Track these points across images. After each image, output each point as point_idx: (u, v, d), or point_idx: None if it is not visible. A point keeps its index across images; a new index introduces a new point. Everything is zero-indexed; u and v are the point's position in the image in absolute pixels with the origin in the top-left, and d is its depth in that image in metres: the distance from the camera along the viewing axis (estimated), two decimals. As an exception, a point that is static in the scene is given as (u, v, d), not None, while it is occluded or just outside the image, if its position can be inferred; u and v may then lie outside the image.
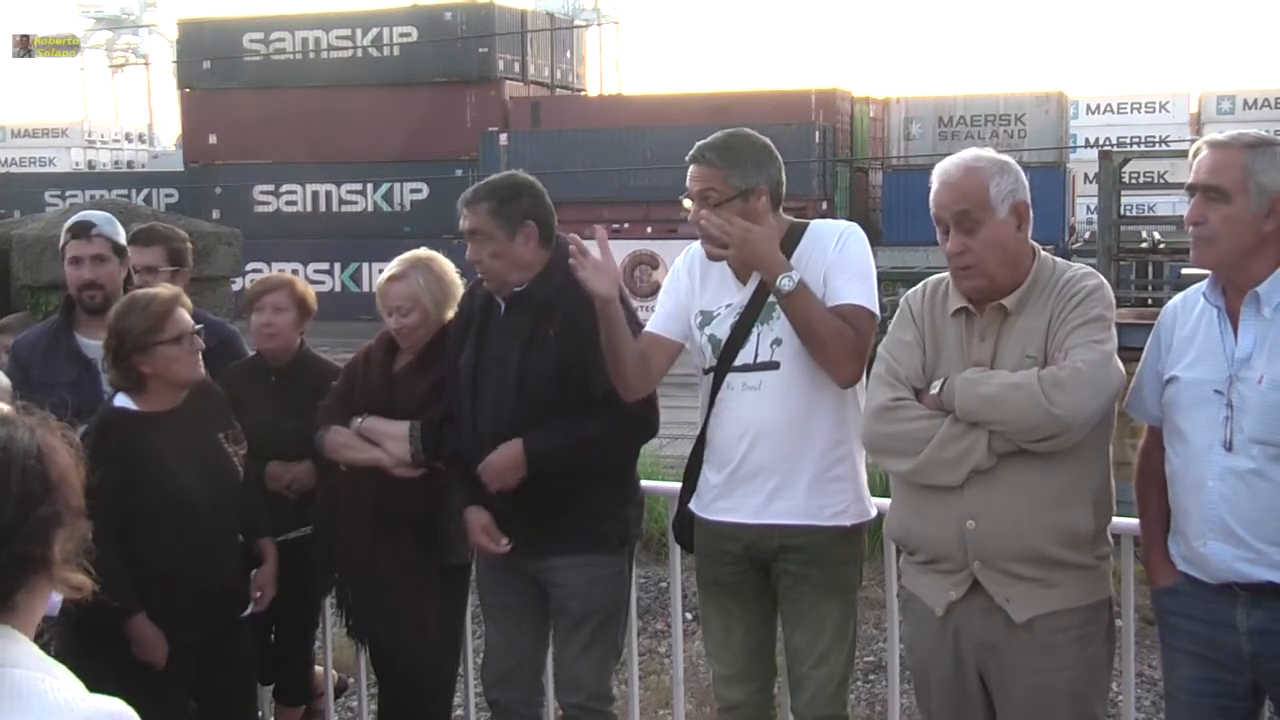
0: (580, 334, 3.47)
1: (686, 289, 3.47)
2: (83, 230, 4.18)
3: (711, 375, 3.40)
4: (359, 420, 3.88)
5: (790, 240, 3.34)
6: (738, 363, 3.34)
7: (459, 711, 4.67)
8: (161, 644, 3.53)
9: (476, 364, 3.68)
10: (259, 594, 3.83)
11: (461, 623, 4.17)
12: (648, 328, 3.48)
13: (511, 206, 3.57)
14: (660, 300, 3.52)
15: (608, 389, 3.43)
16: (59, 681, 1.50)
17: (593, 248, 3.29)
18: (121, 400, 3.60)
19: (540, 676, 3.92)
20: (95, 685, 1.54)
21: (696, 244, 3.50)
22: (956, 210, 2.94)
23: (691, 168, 3.33)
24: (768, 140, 3.39)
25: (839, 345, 3.21)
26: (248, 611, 3.79)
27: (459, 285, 3.99)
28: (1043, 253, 3.04)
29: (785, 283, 3.18)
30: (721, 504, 3.41)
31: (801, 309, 3.20)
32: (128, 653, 3.46)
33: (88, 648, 3.27)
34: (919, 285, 3.15)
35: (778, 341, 3.29)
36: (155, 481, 3.49)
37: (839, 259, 3.29)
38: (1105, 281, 3.01)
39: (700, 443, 3.47)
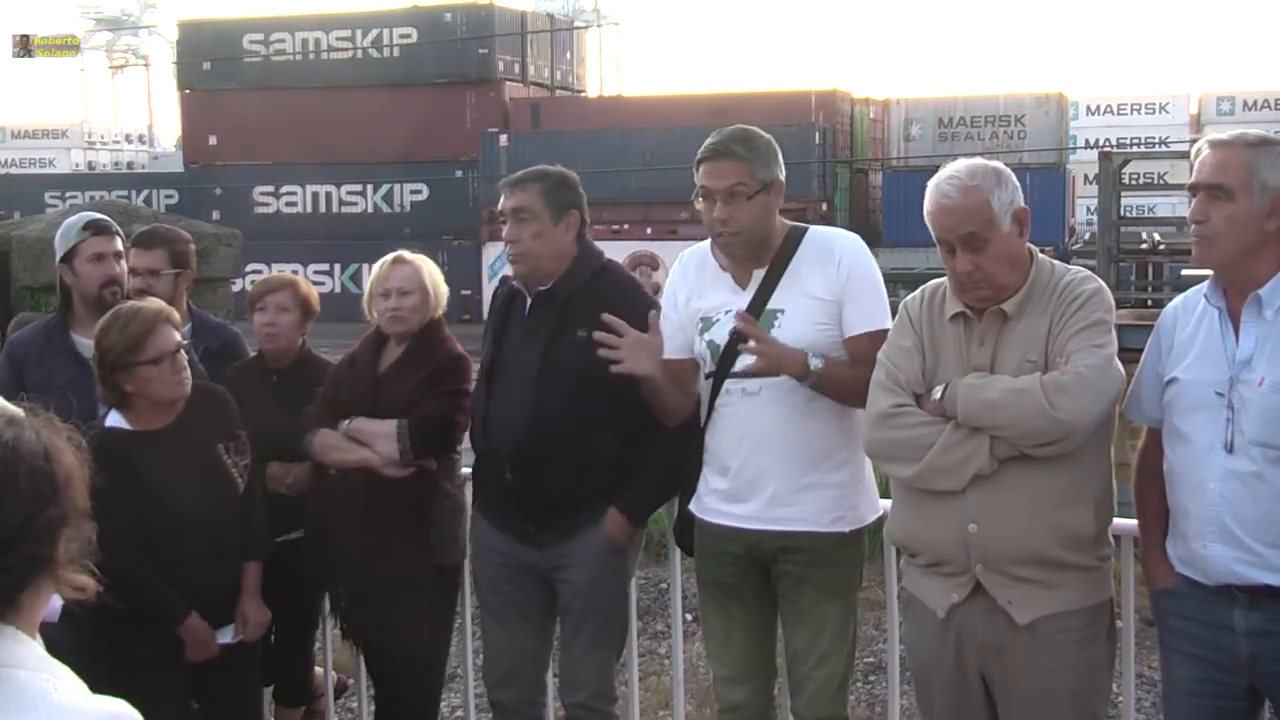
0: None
1: (685, 297, 3.46)
2: (105, 227, 4.19)
3: (710, 381, 3.39)
4: (346, 423, 3.89)
5: (789, 244, 3.35)
6: (737, 368, 3.32)
7: (459, 712, 4.68)
8: (212, 639, 3.59)
9: (494, 360, 3.70)
10: (244, 625, 3.72)
11: (451, 622, 4.17)
12: (664, 354, 3.49)
13: (561, 193, 3.62)
14: (665, 322, 3.51)
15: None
16: (63, 682, 1.50)
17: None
18: (113, 419, 3.57)
19: (543, 676, 3.92)
20: (94, 687, 1.54)
21: (690, 249, 3.52)
22: (963, 233, 2.91)
23: (710, 165, 3.29)
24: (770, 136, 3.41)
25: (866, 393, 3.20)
26: (235, 639, 3.70)
27: (446, 288, 4.04)
28: (1040, 255, 3.04)
29: (815, 363, 3.20)
30: (721, 508, 3.41)
31: (830, 384, 3.23)
32: (127, 655, 3.46)
33: (87, 649, 3.27)
34: (917, 291, 3.15)
35: None
36: (149, 499, 3.46)
37: (851, 289, 3.28)
38: (1104, 285, 3.01)
39: (699, 446, 3.47)
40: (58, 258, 4.20)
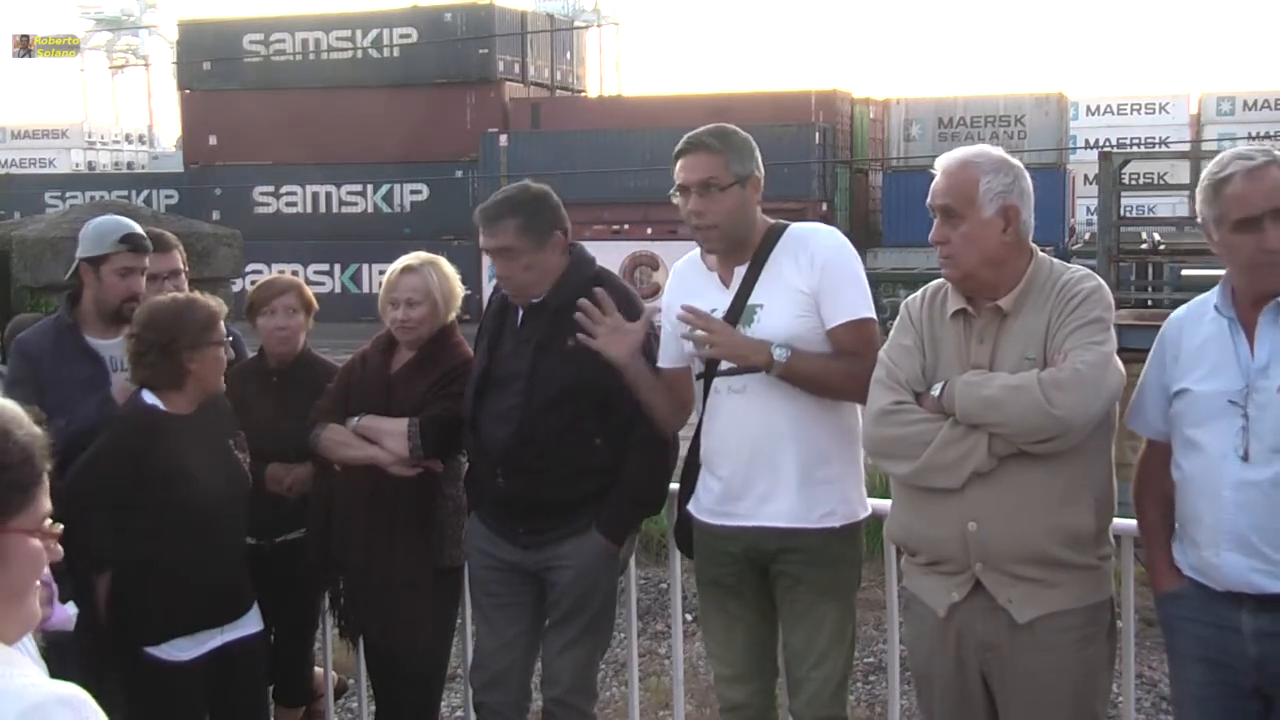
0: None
1: (678, 301, 3.48)
2: (142, 245, 4.16)
3: (701, 380, 3.41)
4: (356, 420, 3.89)
5: (768, 241, 3.36)
6: (723, 367, 3.35)
7: (459, 712, 4.67)
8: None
9: (488, 368, 3.70)
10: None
11: (452, 623, 4.17)
12: (661, 363, 3.51)
13: (539, 219, 3.59)
14: (662, 331, 3.53)
15: (630, 411, 3.50)
16: (18, 670, 1.51)
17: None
18: (150, 398, 3.61)
19: (529, 678, 3.92)
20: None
21: (683, 259, 3.55)
22: (940, 203, 2.98)
23: (686, 159, 3.34)
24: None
25: (850, 384, 3.21)
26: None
27: (461, 290, 4.02)
28: (1040, 254, 3.05)
29: (780, 353, 3.21)
30: (716, 508, 3.43)
31: (803, 374, 3.24)
32: (140, 664, 3.49)
33: (103, 659, 3.30)
34: (919, 291, 3.17)
35: None
36: (174, 480, 3.50)
37: (827, 281, 3.29)
38: (1103, 283, 3.01)
39: (695, 446, 3.48)
40: (81, 254, 4.16)
